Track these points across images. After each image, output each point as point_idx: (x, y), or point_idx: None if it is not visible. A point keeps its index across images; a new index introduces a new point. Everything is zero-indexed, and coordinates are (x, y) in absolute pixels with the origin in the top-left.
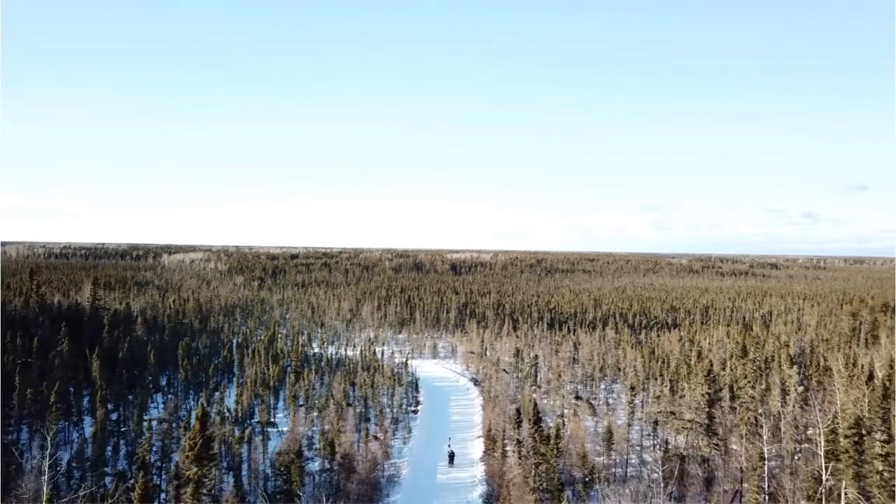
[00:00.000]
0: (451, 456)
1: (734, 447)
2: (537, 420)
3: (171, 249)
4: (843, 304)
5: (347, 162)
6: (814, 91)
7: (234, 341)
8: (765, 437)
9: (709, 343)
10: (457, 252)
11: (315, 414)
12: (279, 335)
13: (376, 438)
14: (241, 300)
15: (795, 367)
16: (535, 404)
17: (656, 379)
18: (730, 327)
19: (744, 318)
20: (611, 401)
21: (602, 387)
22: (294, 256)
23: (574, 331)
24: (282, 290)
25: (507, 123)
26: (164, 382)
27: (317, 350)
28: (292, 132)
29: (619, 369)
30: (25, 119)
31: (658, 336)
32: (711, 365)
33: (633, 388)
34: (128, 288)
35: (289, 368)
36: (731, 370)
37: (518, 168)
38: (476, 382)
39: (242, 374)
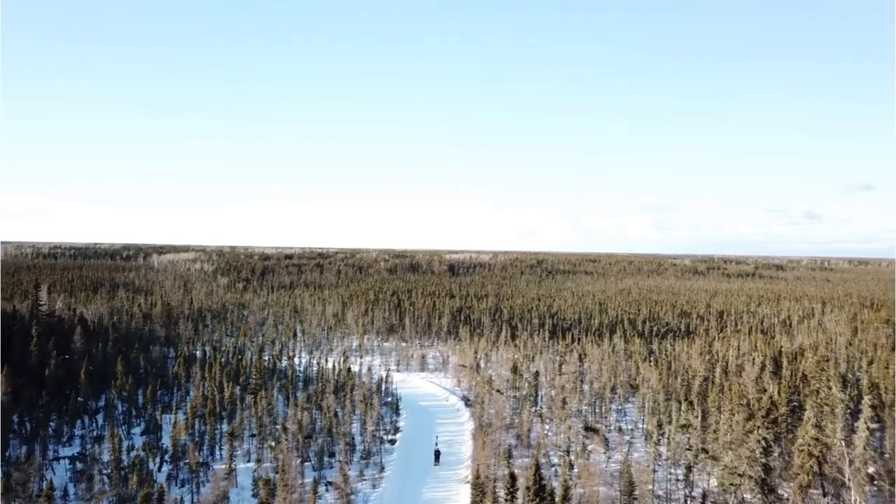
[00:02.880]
0: (437, 454)
1: (783, 492)
2: (539, 489)
3: (163, 250)
4: (864, 307)
5: (349, 162)
6: (818, 90)
7: (197, 352)
8: None
9: (733, 356)
10: (456, 253)
11: (269, 446)
12: (251, 344)
13: (330, 485)
14: (216, 303)
15: (863, 394)
16: (538, 466)
17: (679, 402)
18: (752, 336)
19: (761, 322)
20: (624, 425)
21: (613, 406)
22: (288, 257)
23: (578, 339)
24: (267, 292)
25: (508, 123)
26: (103, 403)
27: (287, 362)
28: (292, 133)
29: (632, 386)
30: (26, 119)
31: (672, 346)
32: (772, 403)
33: (659, 426)
34: (93, 290)
35: (251, 386)
36: (775, 394)
37: (518, 168)
38: (467, 402)
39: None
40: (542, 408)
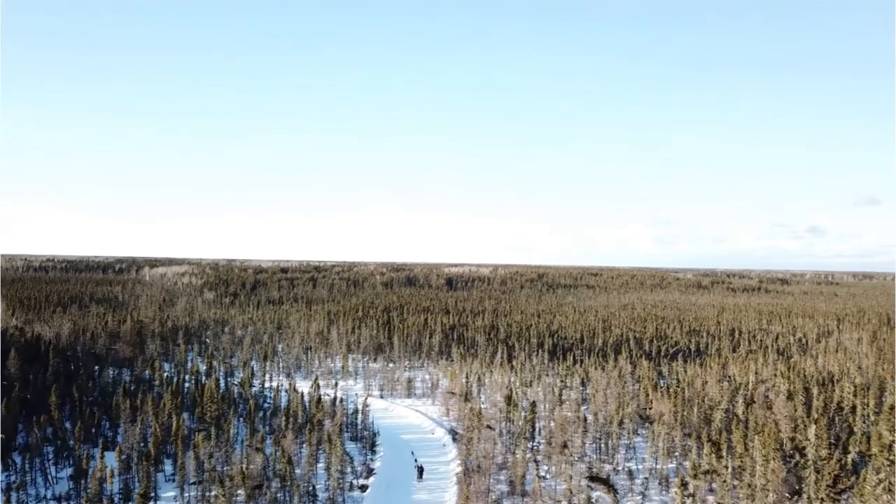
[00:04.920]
0: (420, 470)
1: None
2: None
3: (157, 263)
4: (882, 324)
5: (351, 173)
6: (825, 103)
7: (155, 377)
8: None
9: (753, 381)
10: (456, 266)
11: (209, 499)
12: (221, 365)
13: None
14: (195, 320)
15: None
16: None
17: (699, 438)
18: (768, 356)
19: (775, 340)
20: (634, 465)
21: (622, 441)
22: (284, 270)
23: (581, 361)
24: (254, 307)
25: (509, 134)
26: (32, 440)
27: (257, 387)
28: (292, 143)
29: (642, 417)
30: (25, 129)
31: (683, 368)
32: (842, 463)
33: (683, 485)
34: (65, 306)
35: (206, 417)
36: (812, 435)
37: (519, 180)
38: (455, 436)
39: (143, 429)
40: (539, 443)
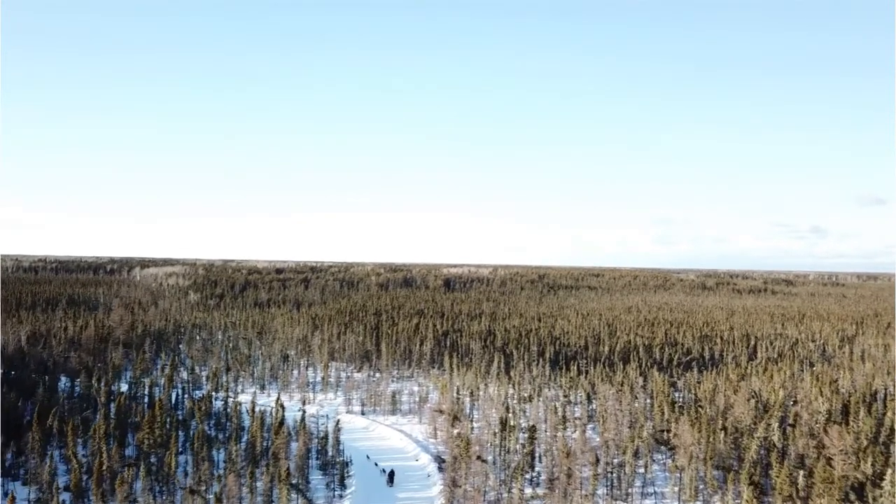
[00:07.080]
0: (391, 475)
1: None
2: None
3: (152, 263)
4: None
5: (352, 174)
6: (830, 103)
7: (100, 392)
8: None
9: (782, 396)
10: (456, 266)
11: None
12: (190, 377)
13: None
14: (170, 324)
15: None
16: None
17: (734, 473)
18: (792, 365)
19: (794, 345)
20: (654, 502)
21: (639, 468)
22: (279, 271)
23: (586, 372)
24: (238, 310)
25: (508, 134)
26: None
27: (220, 404)
28: (293, 143)
29: (658, 441)
30: (28, 128)
31: (699, 380)
32: None
33: None
34: (32, 309)
35: (145, 446)
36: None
37: (519, 180)
38: (441, 464)
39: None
40: (539, 474)
